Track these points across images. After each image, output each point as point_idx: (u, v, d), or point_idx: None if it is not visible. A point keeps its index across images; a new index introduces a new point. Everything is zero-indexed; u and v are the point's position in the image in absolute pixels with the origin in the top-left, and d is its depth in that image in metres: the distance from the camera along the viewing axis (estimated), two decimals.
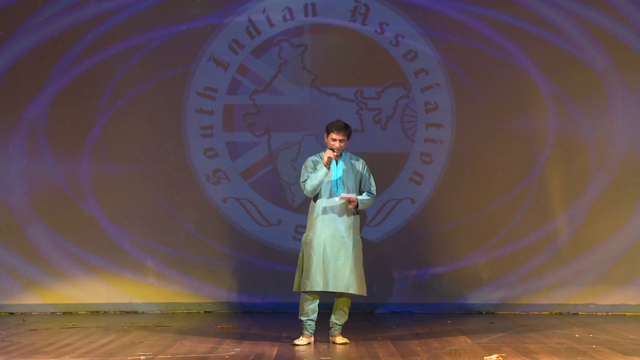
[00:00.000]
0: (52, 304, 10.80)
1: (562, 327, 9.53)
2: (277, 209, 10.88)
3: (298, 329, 8.56)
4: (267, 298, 10.82)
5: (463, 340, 8.52)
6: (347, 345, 8.31)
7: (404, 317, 10.41)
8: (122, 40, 10.83)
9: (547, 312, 10.74)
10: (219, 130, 10.89)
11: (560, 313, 10.73)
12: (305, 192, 8.43)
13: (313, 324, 8.41)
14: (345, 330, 8.55)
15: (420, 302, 10.82)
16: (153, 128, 10.87)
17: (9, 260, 10.76)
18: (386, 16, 10.84)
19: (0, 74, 10.80)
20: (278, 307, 10.74)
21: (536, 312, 10.74)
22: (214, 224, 10.87)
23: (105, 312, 10.80)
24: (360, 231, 8.55)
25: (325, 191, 8.39)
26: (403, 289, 10.84)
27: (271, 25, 10.89)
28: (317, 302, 8.39)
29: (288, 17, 10.89)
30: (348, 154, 8.52)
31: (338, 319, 8.46)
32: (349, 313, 8.51)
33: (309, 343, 8.38)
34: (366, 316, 10.40)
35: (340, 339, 8.43)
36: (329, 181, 8.40)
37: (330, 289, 8.27)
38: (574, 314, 10.70)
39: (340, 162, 8.44)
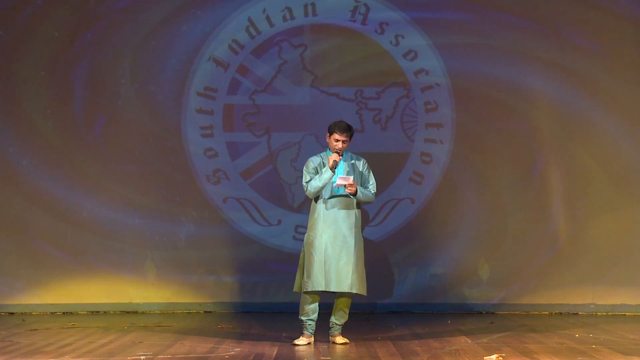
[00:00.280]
0: (52, 304, 10.80)
1: (562, 327, 9.52)
2: (277, 209, 10.87)
3: (298, 329, 8.56)
4: (267, 298, 10.82)
5: (463, 340, 8.52)
6: (347, 345, 8.31)
7: (404, 317, 10.40)
8: (122, 40, 10.83)
9: (547, 312, 10.73)
10: (219, 130, 10.89)
11: (560, 313, 10.73)
12: (307, 193, 8.41)
13: (313, 324, 8.41)
14: (345, 330, 8.55)
15: (420, 302, 10.82)
16: (153, 128, 10.87)
17: (9, 260, 10.76)
18: (386, 16, 10.84)
19: (0, 73, 10.80)
20: (278, 307, 10.73)
21: (536, 312, 10.73)
22: (214, 224, 10.86)
23: (105, 312, 10.80)
24: (362, 230, 8.54)
25: (326, 191, 8.37)
26: (403, 289, 10.84)
27: (271, 25, 10.88)
28: (318, 302, 8.39)
29: (288, 17, 10.88)
30: (349, 153, 8.51)
31: (338, 319, 8.46)
32: (349, 313, 8.51)
33: (309, 343, 8.37)
34: (366, 316, 10.39)
35: (340, 339, 8.42)
36: (330, 181, 8.39)
37: (332, 289, 8.26)
38: (574, 314, 10.70)
39: (342, 163, 8.43)
